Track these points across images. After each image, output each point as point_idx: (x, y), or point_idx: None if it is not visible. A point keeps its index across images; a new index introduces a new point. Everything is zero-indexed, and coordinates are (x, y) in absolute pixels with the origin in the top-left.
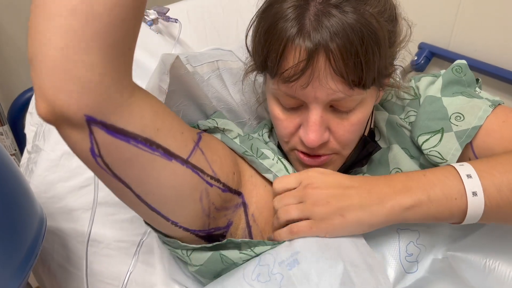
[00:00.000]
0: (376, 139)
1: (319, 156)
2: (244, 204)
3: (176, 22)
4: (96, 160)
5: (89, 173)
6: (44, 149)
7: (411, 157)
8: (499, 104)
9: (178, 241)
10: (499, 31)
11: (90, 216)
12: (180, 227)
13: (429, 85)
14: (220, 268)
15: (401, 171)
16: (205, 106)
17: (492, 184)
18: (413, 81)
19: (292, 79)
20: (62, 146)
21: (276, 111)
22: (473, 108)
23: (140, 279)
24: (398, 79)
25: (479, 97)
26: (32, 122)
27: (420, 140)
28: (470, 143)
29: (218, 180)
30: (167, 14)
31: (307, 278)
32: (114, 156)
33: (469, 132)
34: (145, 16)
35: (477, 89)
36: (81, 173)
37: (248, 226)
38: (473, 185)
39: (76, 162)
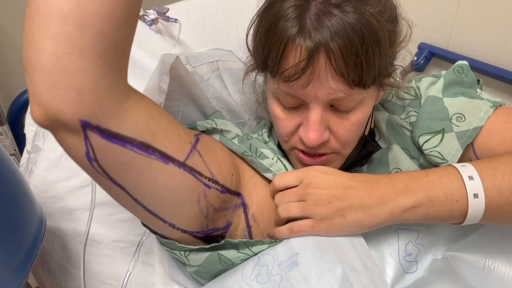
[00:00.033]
0: (376, 139)
1: (319, 155)
2: (244, 205)
3: (176, 22)
4: (92, 164)
5: None
6: (44, 149)
7: (411, 157)
8: (500, 105)
9: (176, 242)
10: (498, 32)
11: (88, 216)
12: (178, 229)
13: (430, 85)
14: (219, 268)
15: (401, 171)
16: (204, 106)
17: (494, 185)
18: (413, 81)
19: (293, 78)
20: None
21: (277, 110)
22: (474, 109)
23: (140, 279)
24: (398, 79)
25: (480, 98)
26: (32, 122)
27: (421, 140)
28: (471, 143)
29: (216, 182)
30: (167, 14)
31: (307, 281)
32: (110, 160)
33: (470, 132)
34: (144, 16)
35: (478, 90)
36: (80, 173)
37: (248, 226)
38: (474, 187)
39: None
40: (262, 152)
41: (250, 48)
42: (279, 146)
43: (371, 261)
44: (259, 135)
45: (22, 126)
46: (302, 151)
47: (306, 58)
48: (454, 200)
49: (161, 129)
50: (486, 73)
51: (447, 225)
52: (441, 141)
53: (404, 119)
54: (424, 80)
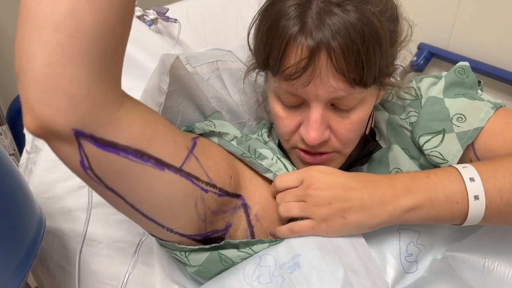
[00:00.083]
0: (376, 139)
1: (320, 154)
2: (245, 206)
3: (176, 22)
4: (87, 173)
5: None
6: (43, 149)
7: (411, 157)
8: (500, 106)
9: (176, 244)
10: (498, 32)
11: (86, 216)
12: (176, 233)
13: (431, 86)
14: (219, 268)
15: (401, 171)
16: (204, 106)
17: (494, 187)
18: (414, 81)
19: (294, 77)
20: None
21: (277, 109)
22: (474, 110)
23: (139, 280)
24: (398, 79)
25: (481, 99)
26: None
27: (422, 140)
28: (472, 144)
29: (214, 186)
30: (166, 14)
31: (308, 283)
32: (105, 168)
33: (470, 133)
34: (144, 16)
35: (479, 91)
36: None
37: (250, 226)
38: (475, 189)
39: None
40: (261, 153)
41: (251, 46)
42: (279, 145)
43: (371, 262)
44: (258, 135)
45: (21, 126)
46: (303, 150)
47: (307, 56)
48: (454, 201)
49: (157, 135)
50: (486, 73)
51: (447, 225)
52: (441, 141)
53: (404, 119)
54: (425, 81)
